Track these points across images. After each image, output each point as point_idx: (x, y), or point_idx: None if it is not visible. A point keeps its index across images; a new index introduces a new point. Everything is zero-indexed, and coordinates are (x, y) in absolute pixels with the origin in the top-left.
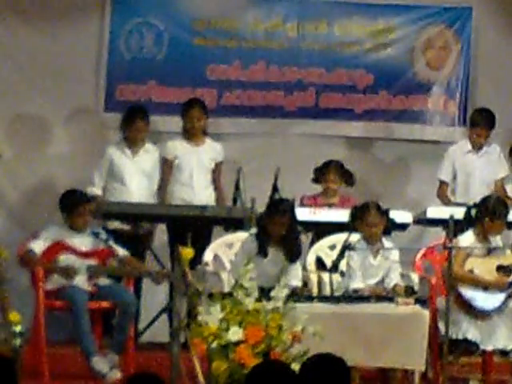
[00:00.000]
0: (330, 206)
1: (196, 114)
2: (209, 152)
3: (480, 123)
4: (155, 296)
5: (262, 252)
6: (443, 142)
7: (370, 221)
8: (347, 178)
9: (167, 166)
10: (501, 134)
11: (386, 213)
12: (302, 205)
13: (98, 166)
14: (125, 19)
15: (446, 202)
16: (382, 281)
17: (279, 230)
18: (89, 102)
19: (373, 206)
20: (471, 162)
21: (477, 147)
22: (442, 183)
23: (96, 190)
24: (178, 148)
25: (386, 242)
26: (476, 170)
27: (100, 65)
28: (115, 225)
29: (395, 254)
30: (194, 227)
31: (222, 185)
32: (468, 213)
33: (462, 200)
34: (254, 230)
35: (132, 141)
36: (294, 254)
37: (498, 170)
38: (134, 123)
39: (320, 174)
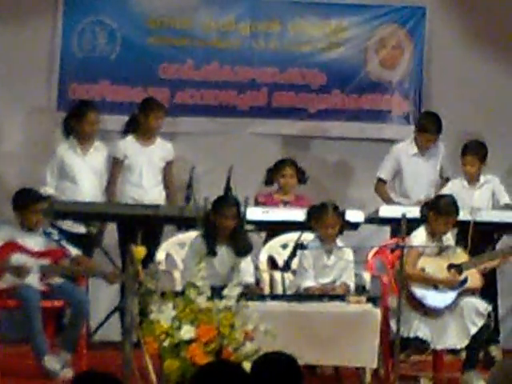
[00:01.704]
0: (285, 203)
1: (160, 114)
2: (159, 151)
3: (428, 129)
4: (106, 295)
5: (211, 251)
6: (396, 141)
7: (327, 221)
8: (300, 175)
9: (117, 165)
10: (453, 134)
11: (342, 214)
12: (257, 202)
13: (50, 165)
14: (77, 18)
15: (387, 199)
16: (336, 280)
17: (227, 225)
18: (41, 101)
19: (330, 206)
20: (417, 165)
21: (423, 150)
22: (380, 181)
23: (49, 190)
24: (129, 147)
25: (339, 242)
26: (422, 174)
27: (53, 64)
28: (66, 224)
29: (349, 254)
30: (145, 226)
31: (173, 184)
32: (422, 212)
33: (404, 201)
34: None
35: (84, 135)
36: (243, 249)
37: (445, 169)
38: (85, 116)
39: (274, 172)
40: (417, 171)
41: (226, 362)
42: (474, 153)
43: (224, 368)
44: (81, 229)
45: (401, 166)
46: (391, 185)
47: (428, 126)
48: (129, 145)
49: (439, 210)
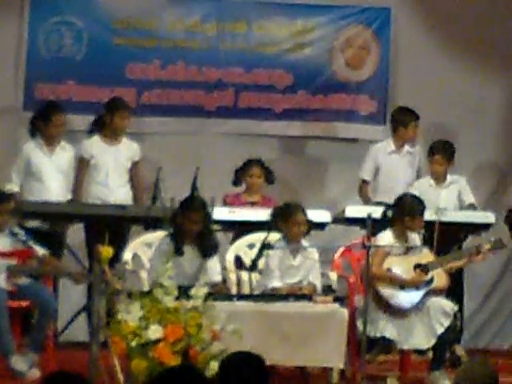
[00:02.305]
0: (253, 204)
1: (126, 114)
2: (125, 151)
3: (411, 119)
4: (74, 295)
5: (178, 251)
6: (363, 141)
7: (296, 219)
8: (267, 175)
9: (83, 165)
10: (420, 133)
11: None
12: (225, 203)
13: (16, 163)
14: (44, 18)
15: (367, 200)
16: (302, 281)
17: (194, 227)
18: (8, 100)
19: (298, 205)
20: (394, 163)
21: (408, 143)
22: (364, 182)
23: (14, 187)
24: (95, 147)
25: (304, 242)
26: (399, 171)
27: (19, 64)
28: (32, 223)
29: (315, 254)
30: (112, 226)
31: (140, 184)
32: (384, 213)
33: (383, 199)
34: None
35: (50, 137)
36: (209, 249)
37: (421, 172)
38: (52, 118)
39: (242, 173)
40: (393, 168)
41: (186, 367)
42: (442, 152)
43: (184, 373)
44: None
45: (378, 164)
46: (373, 186)
47: (409, 118)
48: (95, 144)
49: (403, 210)
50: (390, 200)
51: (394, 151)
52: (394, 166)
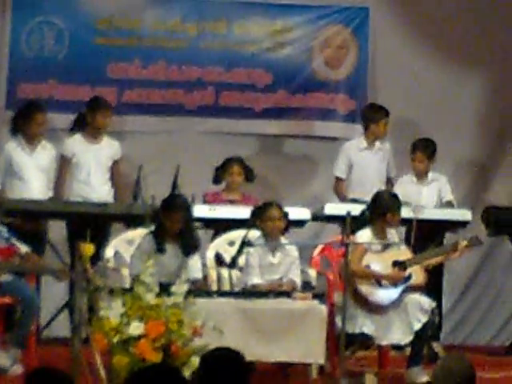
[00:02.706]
0: (232, 202)
1: (107, 113)
2: (106, 150)
3: (381, 115)
4: (55, 291)
5: (160, 248)
6: (342, 139)
7: (272, 215)
8: (247, 173)
9: (65, 163)
10: (398, 131)
11: (285, 213)
12: (205, 201)
13: None
14: (26, 18)
15: (342, 198)
16: (282, 278)
17: (175, 226)
18: None
19: (273, 202)
20: (366, 159)
21: (380, 139)
22: (338, 179)
23: None
24: (76, 145)
25: (284, 240)
26: (371, 167)
27: (1, 63)
28: (14, 220)
29: (294, 251)
30: (93, 224)
31: (121, 182)
32: (363, 212)
33: (357, 196)
34: (152, 227)
35: (31, 136)
36: (190, 247)
37: (390, 168)
38: (33, 117)
39: (222, 171)
40: (366, 165)
41: (162, 366)
42: (423, 150)
43: (160, 372)
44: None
45: (351, 161)
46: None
47: (379, 113)
48: (76, 143)
49: (383, 208)
50: (363, 196)
51: (366, 148)
52: (367, 163)
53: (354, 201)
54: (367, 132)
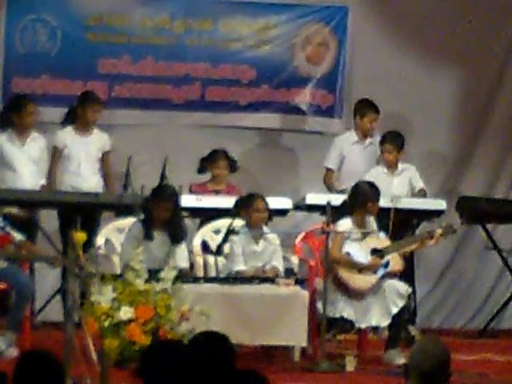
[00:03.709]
0: (218, 192)
1: (97, 108)
2: (96, 142)
3: (370, 110)
4: (49, 278)
5: (148, 236)
6: (322, 133)
7: (256, 206)
8: (231, 164)
9: (56, 154)
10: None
11: (267, 203)
12: (191, 192)
13: None
14: (19, 16)
15: (331, 188)
16: (265, 265)
17: (164, 215)
18: None
19: (258, 194)
20: (357, 153)
21: (369, 135)
22: (329, 171)
23: None
24: (67, 137)
25: (265, 229)
26: (362, 161)
27: None
28: (8, 210)
29: (275, 239)
30: (84, 213)
31: (111, 173)
32: (344, 204)
33: (346, 187)
34: (141, 216)
35: (23, 127)
36: (178, 236)
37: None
38: (24, 108)
39: (207, 163)
40: (356, 158)
41: (169, 342)
42: (393, 142)
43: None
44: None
45: (343, 154)
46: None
47: (369, 109)
48: (68, 135)
49: (364, 197)
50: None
51: (357, 142)
52: (357, 156)
53: (339, 192)
54: (356, 126)
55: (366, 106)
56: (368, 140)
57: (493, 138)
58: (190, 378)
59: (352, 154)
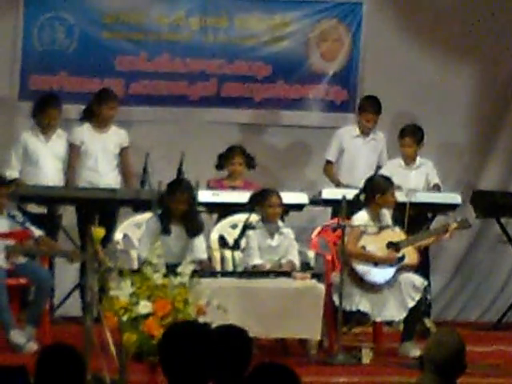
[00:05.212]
0: (234, 188)
1: (113, 105)
2: (114, 138)
3: (368, 109)
4: (68, 273)
5: (166, 230)
6: (337, 128)
7: (271, 202)
8: (249, 161)
9: (74, 151)
10: (387, 119)
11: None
12: (209, 187)
13: (15, 150)
14: (38, 14)
15: (334, 180)
16: (281, 260)
17: (180, 207)
18: (4, 91)
19: (272, 190)
20: (358, 147)
21: (365, 132)
22: (328, 162)
23: (14, 173)
24: (85, 134)
25: (280, 223)
26: (362, 155)
27: (14, 56)
28: (30, 206)
29: (290, 233)
30: (102, 209)
31: (129, 169)
32: (357, 197)
33: (346, 182)
34: (158, 212)
35: (45, 127)
36: (194, 229)
37: (382, 158)
38: (47, 111)
39: (225, 159)
40: (356, 152)
41: (192, 323)
42: (411, 135)
43: (192, 327)
44: (40, 210)
45: (343, 146)
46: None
47: (366, 106)
48: (85, 132)
49: (374, 189)
50: (351, 182)
51: (359, 136)
52: (358, 150)
53: (347, 187)
54: (360, 120)
55: (366, 104)
56: (371, 135)
57: (508, 132)
58: (210, 363)
59: (352, 148)
